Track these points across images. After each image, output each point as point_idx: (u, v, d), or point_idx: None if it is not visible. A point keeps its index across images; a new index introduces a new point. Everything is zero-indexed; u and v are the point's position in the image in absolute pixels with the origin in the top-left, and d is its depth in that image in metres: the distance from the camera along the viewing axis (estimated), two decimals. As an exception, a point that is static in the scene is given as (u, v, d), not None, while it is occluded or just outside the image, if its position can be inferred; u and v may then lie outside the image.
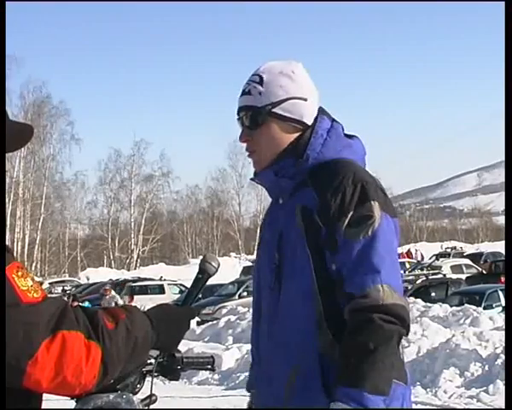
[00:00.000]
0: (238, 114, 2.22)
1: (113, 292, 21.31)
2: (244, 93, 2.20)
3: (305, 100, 2.19)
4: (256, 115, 2.17)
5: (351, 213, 2.03)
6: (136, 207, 64.06)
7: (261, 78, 2.19)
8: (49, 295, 1.67)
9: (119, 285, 31.58)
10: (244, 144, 2.23)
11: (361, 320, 1.94)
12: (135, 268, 57.12)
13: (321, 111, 2.24)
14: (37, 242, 54.39)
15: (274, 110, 2.16)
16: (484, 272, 29.27)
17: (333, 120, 2.24)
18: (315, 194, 2.09)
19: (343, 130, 2.25)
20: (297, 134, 2.19)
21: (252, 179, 2.31)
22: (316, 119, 2.21)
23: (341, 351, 1.96)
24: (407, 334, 2.00)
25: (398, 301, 1.97)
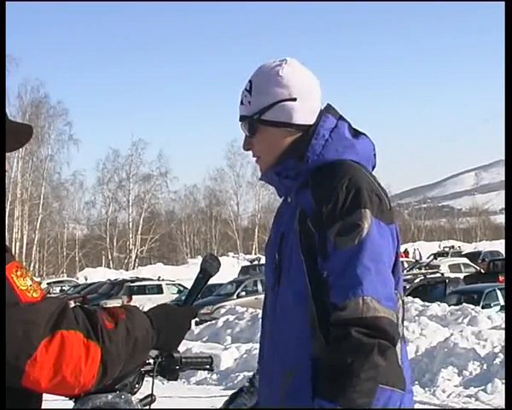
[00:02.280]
0: (240, 122, 2.23)
1: None
2: (240, 102, 2.21)
3: (294, 100, 2.14)
4: (250, 124, 2.18)
5: (341, 220, 2.00)
6: (134, 207, 64.09)
7: (251, 85, 2.18)
8: (48, 295, 1.67)
9: (117, 285, 31.58)
10: (249, 152, 2.24)
11: (340, 334, 1.92)
12: (133, 268, 57.12)
13: (327, 108, 2.20)
14: (36, 242, 54.37)
15: (262, 117, 2.15)
16: (482, 271, 29.27)
17: (339, 118, 2.19)
18: (311, 197, 2.07)
19: (351, 127, 2.20)
20: (295, 136, 2.16)
21: (260, 179, 2.31)
22: (320, 117, 2.17)
23: (323, 363, 1.96)
24: (393, 345, 1.96)
25: (381, 313, 1.93)
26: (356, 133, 2.20)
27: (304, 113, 2.16)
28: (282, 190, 2.24)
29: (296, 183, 2.15)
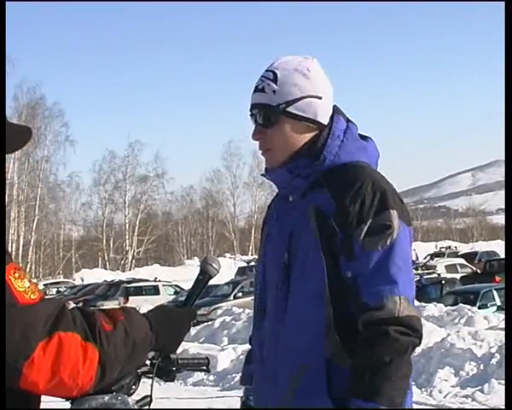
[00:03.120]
0: (251, 110, 2.17)
1: None
2: (258, 90, 2.15)
3: (320, 98, 2.14)
4: (270, 114, 2.12)
5: (370, 221, 2.00)
6: (130, 209, 64.04)
7: (275, 74, 2.13)
8: (45, 297, 1.67)
9: (113, 286, 31.55)
10: (257, 142, 2.18)
11: (377, 333, 1.93)
12: (130, 269, 57.07)
13: (336, 110, 2.20)
14: (32, 243, 54.30)
15: (288, 109, 2.11)
16: (478, 271, 29.30)
17: (348, 120, 2.20)
18: (331, 198, 2.05)
19: (357, 130, 2.21)
20: (312, 134, 2.15)
21: (263, 175, 2.26)
22: (332, 118, 2.17)
23: (355, 363, 1.95)
24: (420, 344, 2.01)
25: (413, 312, 1.97)
26: (362, 137, 2.22)
27: (325, 112, 2.16)
28: (286, 188, 2.21)
29: (305, 182, 2.14)
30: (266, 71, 2.16)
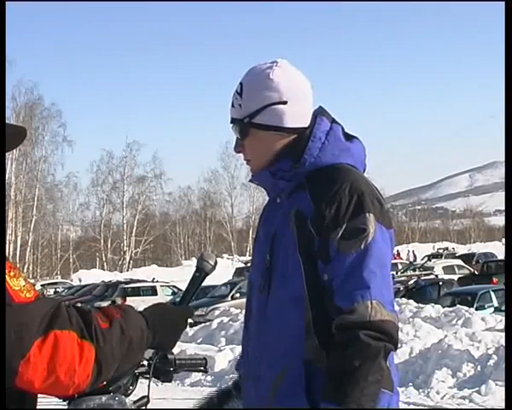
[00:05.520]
0: (230, 124, 2.21)
1: None
2: (232, 105, 2.19)
3: (285, 103, 2.12)
4: (240, 127, 2.16)
5: (345, 224, 2.00)
6: (128, 209, 64.01)
7: (241, 88, 2.16)
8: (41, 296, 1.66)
9: (111, 287, 31.52)
10: (240, 154, 2.21)
11: (347, 337, 1.93)
12: (127, 270, 57.05)
13: (320, 111, 2.19)
14: (29, 244, 54.25)
15: (253, 121, 2.13)
16: (476, 272, 29.33)
17: (332, 121, 2.19)
18: (311, 200, 2.06)
19: (343, 131, 2.20)
20: (288, 139, 2.14)
21: (250, 181, 2.28)
22: (315, 119, 2.16)
23: (327, 366, 1.96)
24: (395, 349, 1.99)
25: (387, 316, 1.96)
26: (348, 137, 2.20)
27: (295, 116, 2.14)
28: (273, 191, 2.22)
29: (290, 184, 2.14)
30: (238, 84, 2.19)
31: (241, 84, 2.17)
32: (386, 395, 1.98)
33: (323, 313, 2.01)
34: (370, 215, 2.01)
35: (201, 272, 2.12)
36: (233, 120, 2.19)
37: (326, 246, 2.01)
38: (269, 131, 2.14)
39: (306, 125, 2.15)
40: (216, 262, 2.15)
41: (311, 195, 2.07)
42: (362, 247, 1.98)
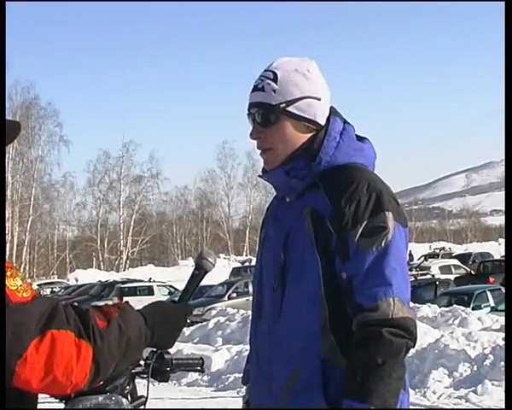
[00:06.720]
0: (249, 109, 2.16)
1: None
2: (257, 89, 2.14)
3: (319, 99, 2.14)
4: (269, 113, 2.11)
5: (364, 222, 2.01)
6: (125, 209, 63.95)
7: (275, 74, 2.13)
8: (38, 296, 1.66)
9: (108, 287, 31.49)
10: (255, 141, 2.17)
11: (370, 334, 1.94)
12: (124, 270, 57.00)
13: (333, 111, 2.20)
14: (26, 243, 54.17)
15: (288, 109, 2.11)
16: (472, 272, 29.38)
17: (344, 122, 2.20)
18: (327, 199, 2.06)
19: (354, 131, 2.21)
20: (310, 134, 2.14)
21: (260, 176, 2.26)
22: (328, 119, 2.17)
23: (349, 364, 1.96)
24: (414, 345, 2.01)
25: (407, 314, 1.97)
26: (358, 138, 2.22)
27: (323, 113, 2.16)
28: (283, 189, 2.21)
29: (302, 183, 2.14)
30: (265, 71, 2.16)
31: (272, 72, 2.14)
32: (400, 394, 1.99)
33: (340, 311, 2.02)
34: (389, 213, 2.03)
35: (201, 270, 2.10)
36: (260, 105, 2.13)
37: (345, 244, 2.01)
38: (300, 122, 2.13)
39: (323, 124, 2.16)
40: (215, 259, 2.13)
41: (327, 193, 2.07)
42: (382, 245, 1.99)
